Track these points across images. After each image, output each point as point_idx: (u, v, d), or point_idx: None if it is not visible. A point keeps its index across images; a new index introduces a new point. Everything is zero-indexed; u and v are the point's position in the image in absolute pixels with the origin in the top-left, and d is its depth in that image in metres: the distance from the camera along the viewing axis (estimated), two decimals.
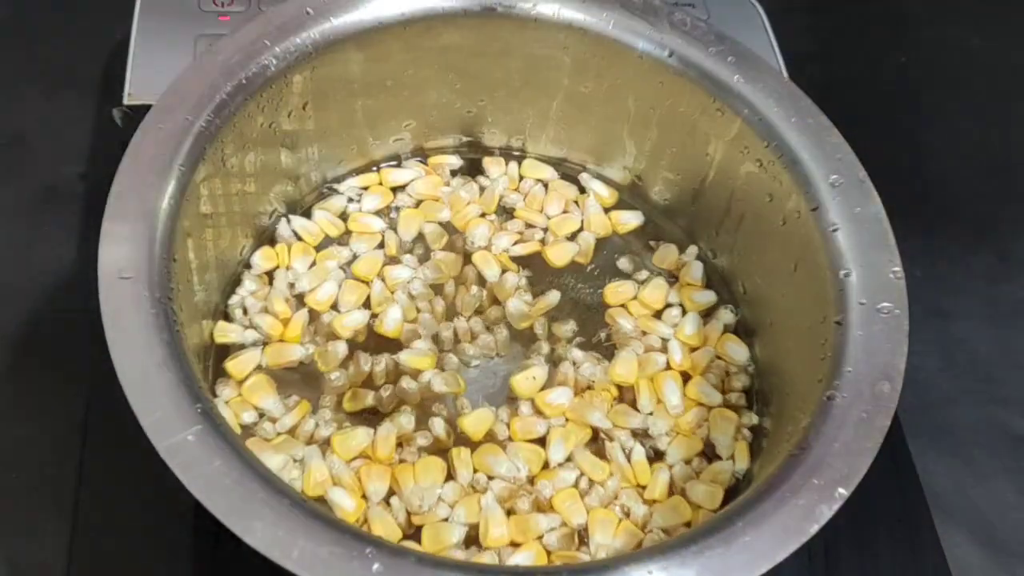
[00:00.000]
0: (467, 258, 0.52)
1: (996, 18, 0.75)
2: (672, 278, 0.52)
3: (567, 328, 0.50)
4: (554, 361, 0.49)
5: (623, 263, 0.53)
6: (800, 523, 0.33)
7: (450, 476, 0.44)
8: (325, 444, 0.44)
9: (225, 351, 0.47)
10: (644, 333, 0.50)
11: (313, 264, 0.50)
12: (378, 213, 0.53)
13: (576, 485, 0.44)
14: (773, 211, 0.46)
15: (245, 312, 0.48)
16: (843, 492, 0.34)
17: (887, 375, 0.37)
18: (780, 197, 0.45)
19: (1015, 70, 0.73)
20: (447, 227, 0.53)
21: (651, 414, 0.47)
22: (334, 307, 0.49)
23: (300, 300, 0.49)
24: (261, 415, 0.45)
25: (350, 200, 0.54)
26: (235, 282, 0.49)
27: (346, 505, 0.42)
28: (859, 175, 0.43)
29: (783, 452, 0.37)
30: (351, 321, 0.48)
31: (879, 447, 0.36)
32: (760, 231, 0.48)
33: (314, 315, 0.49)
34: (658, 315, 0.51)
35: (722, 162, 0.49)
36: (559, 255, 0.53)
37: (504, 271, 0.51)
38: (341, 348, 0.47)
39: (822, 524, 0.33)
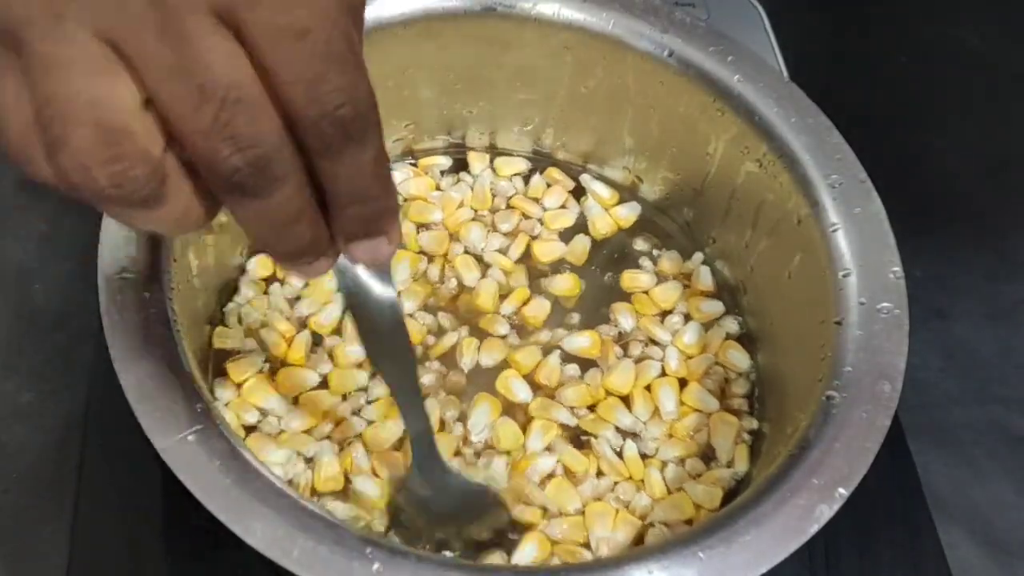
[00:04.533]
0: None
1: (996, 18, 0.75)
2: (683, 285, 0.52)
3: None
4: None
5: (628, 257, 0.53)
6: (800, 523, 0.33)
7: (457, 452, 0.44)
8: (356, 438, 0.44)
9: (225, 353, 0.46)
10: (646, 343, 0.49)
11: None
12: None
13: (556, 474, 0.44)
14: (773, 211, 0.46)
15: (240, 320, 0.47)
16: (843, 492, 0.34)
17: (887, 375, 0.37)
18: (780, 197, 0.45)
19: (1015, 70, 0.73)
20: (439, 228, 0.53)
21: (646, 423, 0.46)
22: (336, 332, 0.48)
23: (302, 321, 0.48)
24: (264, 414, 0.45)
25: None
26: (233, 287, 0.48)
27: (370, 492, 0.42)
28: (859, 175, 0.43)
29: (783, 452, 0.37)
30: (355, 351, 0.47)
31: (879, 447, 0.36)
32: (760, 231, 0.48)
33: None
34: (662, 317, 0.50)
35: (722, 162, 0.49)
36: (545, 252, 0.52)
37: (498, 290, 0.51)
38: (362, 377, 0.46)
39: (822, 524, 0.33)
